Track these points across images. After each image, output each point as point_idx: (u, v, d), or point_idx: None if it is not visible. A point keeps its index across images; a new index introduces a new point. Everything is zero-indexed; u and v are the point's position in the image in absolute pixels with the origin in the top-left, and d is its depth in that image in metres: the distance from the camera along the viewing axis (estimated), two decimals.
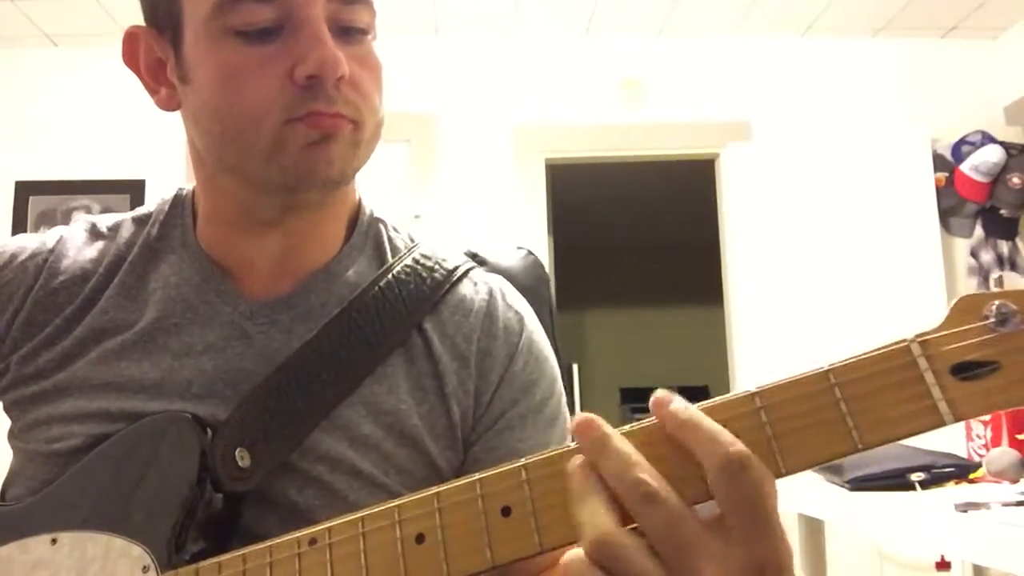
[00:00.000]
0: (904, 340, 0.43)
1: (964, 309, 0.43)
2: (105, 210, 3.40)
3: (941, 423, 0.41)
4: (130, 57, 0.72)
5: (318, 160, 0.65)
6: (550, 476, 0.46)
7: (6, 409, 0.73)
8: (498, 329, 0.75)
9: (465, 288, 0.76)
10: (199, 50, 0.65)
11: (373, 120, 0.68)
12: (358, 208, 0.79)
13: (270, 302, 0.72)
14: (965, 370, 0.42)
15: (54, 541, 0.61)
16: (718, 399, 0.45)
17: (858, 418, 0.42)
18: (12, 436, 0.72)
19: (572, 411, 0.80)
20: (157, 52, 0.70)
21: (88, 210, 3.17)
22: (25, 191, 3.18)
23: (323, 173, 0.65)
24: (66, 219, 3.16)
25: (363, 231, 0.78)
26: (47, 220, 3.15)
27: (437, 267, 0.76)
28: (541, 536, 0.46)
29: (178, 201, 0.78)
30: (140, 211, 0.79)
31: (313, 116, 0.63)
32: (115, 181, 3.19)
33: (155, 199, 0.80)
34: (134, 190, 3.18)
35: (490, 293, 0.77)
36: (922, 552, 2.31)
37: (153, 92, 0.71)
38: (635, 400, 6.09)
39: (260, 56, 0.63)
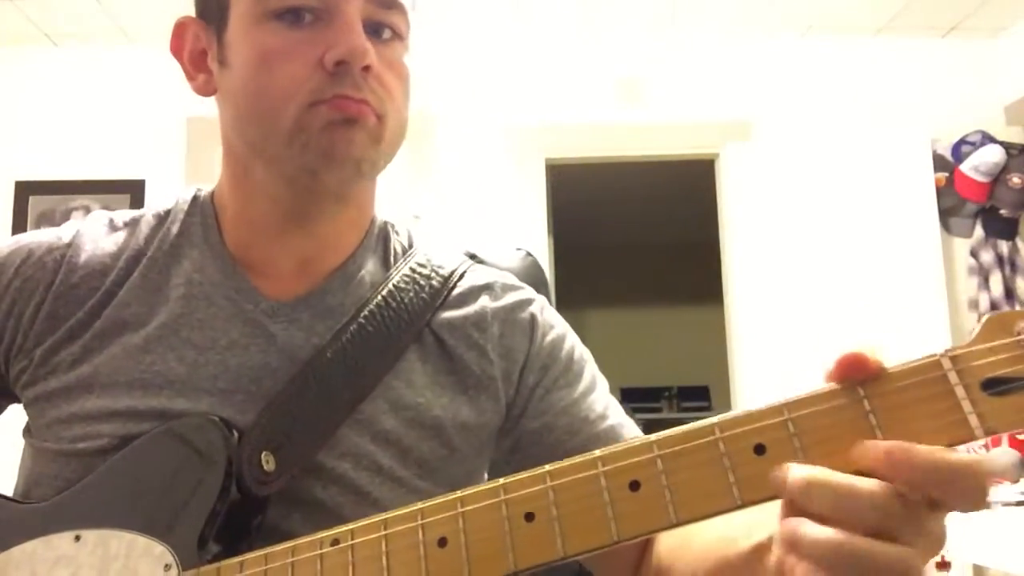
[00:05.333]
0: (935, 354, 0.43)
1: (996, 325, 0.43)
2: (105, 210, 3.37)
3: (972, 437, 0.42)
4: (177, 45, 0.75)
5: (338, 140, 0.67)
6: (575, 483, 0.47)
7: (27, 405, 0.73)
8: (508, 311, 0.78)
9: (466, 287, 0.79)
10: (240, 33, 0.69)
11: (396, 119, 0.71)
12: (372, 216, 0.82)
13: (290, 301, 0.73)
14: (996, 385, 0.42)
15: (78, 538, 0.62)
16: (746, 411, 0.45)
17: (887, 431, 0.43)
18: (29, 434, 0.72)
19: None
20: (202, 42, 0.73)
21: (88, 210, 3.17)
22: (25, 191, 3.18)
23: (342, 153, 0.67)
24: (66, 219, 3.16)
25: (375, 233, 0.80)
26: (47, 220, 3.15)
27: (434, 274, 0.78)
28: (564, 543, 0.46)
29: (195, 202, 0.79)
30: (158, 207, 0.80)
31: (339, 99, 0.66)
32: (115, 181, 3.19)
33: (161, 197, 0.81)
34: (134, 190, 3.17)
35: (491, 287, 0.80)
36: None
37: (191, 79, 0.75)
38: (635, 400, 6.09)
39: (295, 40, 0.67)
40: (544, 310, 0.81)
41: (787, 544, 0.42)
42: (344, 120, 0.66)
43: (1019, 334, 0.42)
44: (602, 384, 0.80)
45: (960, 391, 0.42)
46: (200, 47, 0.73)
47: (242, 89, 0.69)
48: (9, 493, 0.71)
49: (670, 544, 0.65)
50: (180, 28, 0.75)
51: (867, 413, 0.43)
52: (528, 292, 0.82)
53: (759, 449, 0.44)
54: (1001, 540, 1.43)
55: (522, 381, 0.76)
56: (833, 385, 0.44)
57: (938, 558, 2.49)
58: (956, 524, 1.40)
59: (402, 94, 0.71)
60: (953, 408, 0.42)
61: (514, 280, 0.83)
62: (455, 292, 0.78)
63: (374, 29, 0.69)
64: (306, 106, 0.66)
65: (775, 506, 0.49)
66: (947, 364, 0.43)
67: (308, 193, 0.71)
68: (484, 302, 0.78)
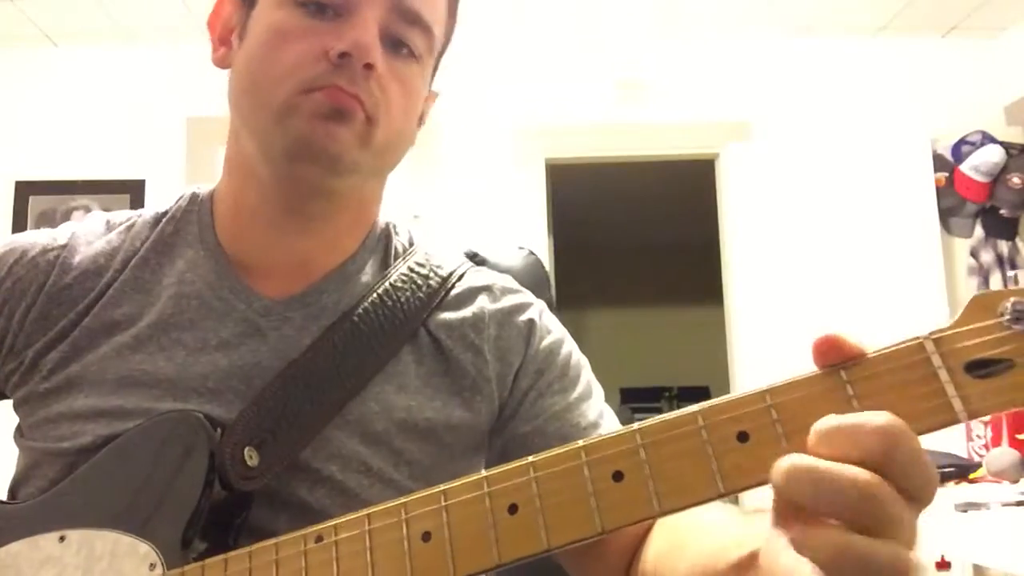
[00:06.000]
0: (918, 337, 0.43)
1: (979, 307, 0.43)
2: (105, 210, 3.37)
3: (955, 420, 0.41)
4: (213, 18, 0.76)
5: (319, 132, 0.66)
6: (558, 474, 0.46)
7: (16, 406, 0.73)
8: (505, 313, 0.77)
9: (464, 288, 0.78)
10: (263, 12, 0.70)
11: (390, 127, 0.70)
12: (375, 220, 0.81)
13: (284, 300, 0.72)
14: (979, 367, 0.41)
15: (62, 539, 0.61)
16: (728, 397, 0.45)
17: None
18: (20, 435, 0.72)
19: None
20: (233, 20, 0.74)
21: (88, 210, 3.17)
22: (25, 191, 3.19)
23: (320, 145, 0.66)
24: (66, 219, 3.16)
25: (376, 236, 0.80)
26: (47, 220, 3.15)
27: (432, 274, 0.77)
28: (548, 535, 0.46)
29: (195, 199, 0.79)
30: (157, 208, 0.80)
31: (330, 89, 0.66)
32: (115, 181, 3.19)
33: (158, 199, 0.80)
34: (134, 190, 3.18)
35: (490, 285, 0.79)
36: (922, 552, 2.31)
37: (215, 51, 0.75)
38: (635, 400, 6.09)
39: (308, 28, 0.67)
40: (543, 315, 0.80)
41: (795, 546, 0.40)
42: (332, 112, 0.66)
43: (1003, 315, 0.42)
44: (597, 392, 0.79)
45: (943, 374, 0.42)
46: (231, 25, 0.74)
47: (247, 62, 0.70)
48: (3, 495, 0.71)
49: (659, 553, 0.64)
50: (220, 3, 0.76)
51: (850, 398, 0.42)
52: (527, 296, 0.81)
53: (742, 436, 0.43)
54: (1001, 540, 1.43)
55: (516, 384, 0.75)
56: (815, 371, 0.44)
57: (938, 558, 2.48)
58: (956, 524, 1.39)
59: (402, 108, 0.71)
60: (937, 391, 0.42)
61: (514, 284, 0.82)
62: (453, 292, 0.77)
63: (393, 43, 0.69)
64: (300, 90, 0.66)
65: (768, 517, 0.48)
66: (930, 347, 0.42)
67: (290, 182, 0.70)
68: (482, 303, 0.77)
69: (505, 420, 0.75)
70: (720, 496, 0.43)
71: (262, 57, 0.68)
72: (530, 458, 0.47)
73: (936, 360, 0.42)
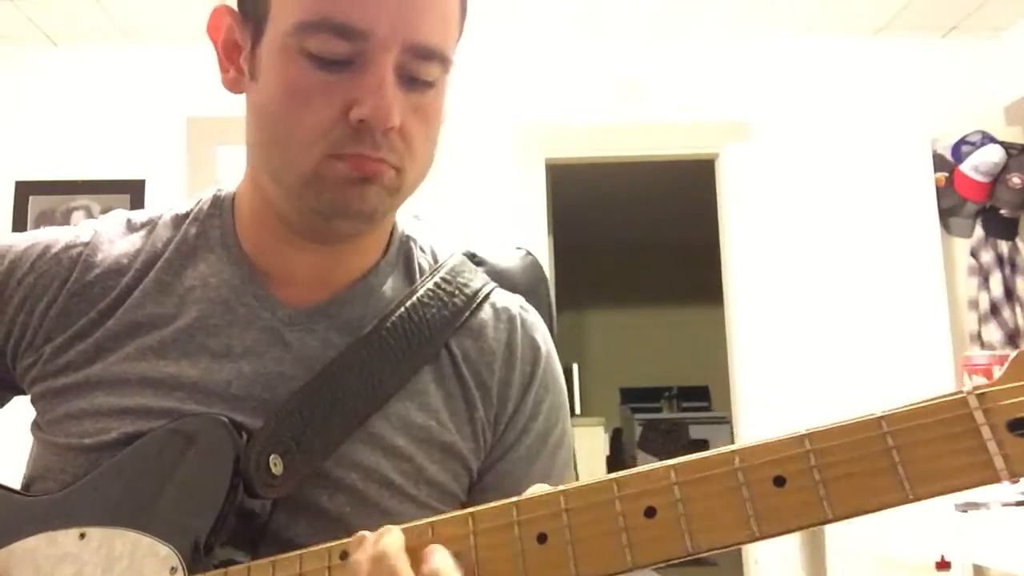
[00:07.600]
0: (961, 392, 0.43)
1: (1023, 363, 0.42)
2: (105, 210, 3.36)
3: (996, 479, 0.41)
4: (212, 29, 0.73)
5: (352, 196, 0.67)
6: (590, 506, 0.46)
7: (33, 400, 0.73)
8: (516, 359, 0.77)
9: (486, 313, 0.78)
10: (272, 56, 0.67)
11: (415, 169, 0.70)
12: (393, 224, 0.82)
13: (308, 310, 0.73)
14: (1022, 427, 0.41)
15: (82, 536, 0.61)
16: (766, 440, 0.45)
17: (909, 468, 0.42)
18: (37, 428, 0.72)
19: (572, 412, 0.81)
20: (236, 35, 0.71)
21: (88, 210, 3.17)
22: (25, 191, 3.18)
23: (355, 207, 0.67)
24: (66, 219, 3.16)
25: (396, 247, 0.80)
26: (47, 220, 3.14)
27: (458, 292, 0.77)
28: (578, 566, 0.46)
29: (217, 202, 0.79)
30: (177, 208, 0.80)
31: (356, 158, 0.65)
32: (115, 181, 3.18)
33: (158, 199, 0.80)
34: (134, 190, 3.17)
35: (510, 321, 0.79)
36: (922, 552, 2.31)
37: (224, 70, 0.73)
38: (635, 400, 6.09)
39: (324, 83, 0.65)
40: (548, 364, 0.80)
41: None
42: (361, 179, 0.66)
43: None
44: (567, 470, 0.79)
45: (986, 431, 0.41)
46: (234, 38, 0.71)
47: (267, 115, 0.68)
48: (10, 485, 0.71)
49: None
50: (216, 14, 0.73)
51: (890, 449, 0.42)
52: (540, 336, 0.81)
53: (778, 481, 0.43)
54: (1001, 540, 1.43)
55: (503, 436, 0.76)
56: (856, 417, 0.44)
57: (938, 558, 2.48)
58: (956, 524, 1.38)
59: (425, 142, 0.70)
60: (978, 448, 0.41)
61: (534, 316, 0.82)
62: (478, 316, 0.77)
63: (410, 79, 0.67)
64: (324, 157, 0.65)
65: None
66: (973, 402, 0.42)
67: (318, 226, 0.71)
68: (500, 336, 0.77)
69: (483, 465, 0.75)
70: (755, 539, 0.43)
71: (280, 115, 0.66)
72: (561, 487, 0.47)
73: (979, 416, 0.42)
